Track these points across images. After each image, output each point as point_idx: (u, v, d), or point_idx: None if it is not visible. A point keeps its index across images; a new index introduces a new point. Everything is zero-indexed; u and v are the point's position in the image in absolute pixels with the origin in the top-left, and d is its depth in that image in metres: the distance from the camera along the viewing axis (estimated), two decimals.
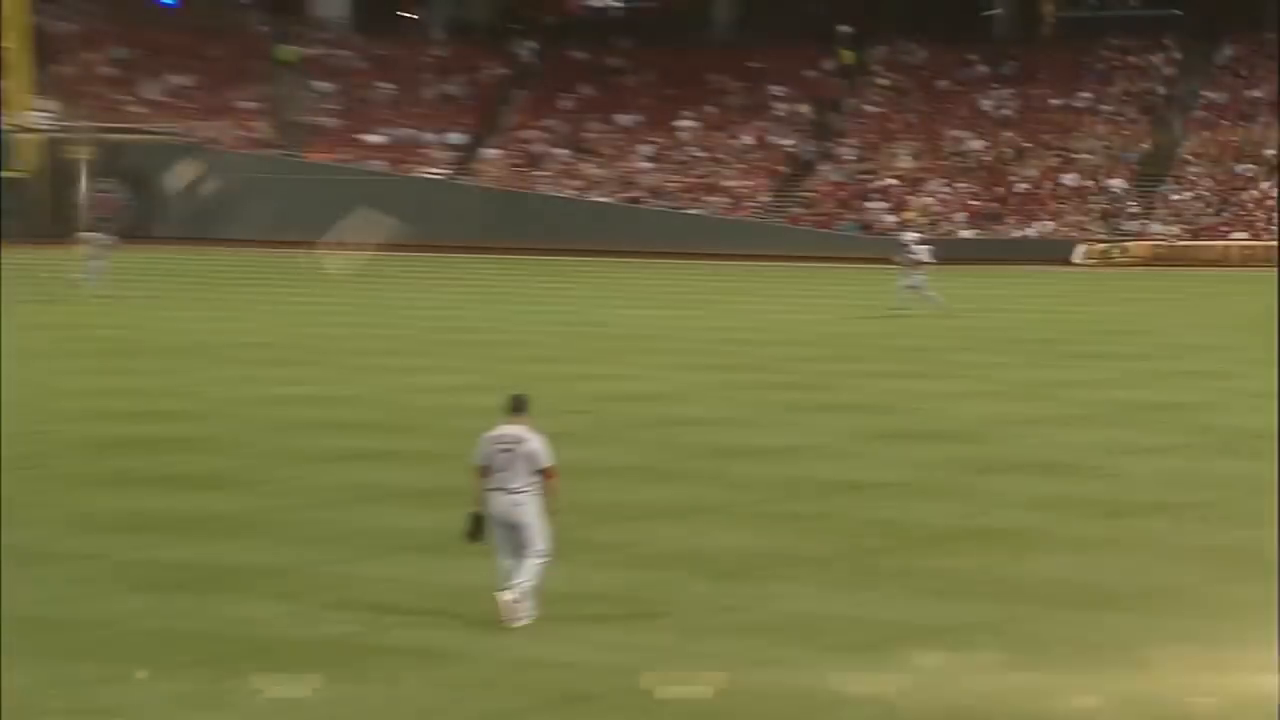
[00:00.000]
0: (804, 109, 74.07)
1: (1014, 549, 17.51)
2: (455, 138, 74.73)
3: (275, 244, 66.16)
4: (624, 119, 74.59)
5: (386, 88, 77.42)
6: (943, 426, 25.31)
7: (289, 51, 78.34)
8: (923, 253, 43.50)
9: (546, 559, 14.70)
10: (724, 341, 37.23)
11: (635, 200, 70.17)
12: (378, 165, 72.66)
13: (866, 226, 66.27)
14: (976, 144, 70.67)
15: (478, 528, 14.81)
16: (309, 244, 56.36)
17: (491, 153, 74.05)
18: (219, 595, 15.72)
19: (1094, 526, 18.59)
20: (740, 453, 23.09)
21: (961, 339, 37.60)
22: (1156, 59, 73.32)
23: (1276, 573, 16.13)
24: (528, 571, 14.57)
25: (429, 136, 74.78)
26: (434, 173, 72.76)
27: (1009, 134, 70.94)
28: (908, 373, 31.80)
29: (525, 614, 14.51)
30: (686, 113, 74.05)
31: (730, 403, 27.83)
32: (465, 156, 73.99)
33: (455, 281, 54.57)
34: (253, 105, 76.28)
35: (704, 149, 72.52)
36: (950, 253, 61.95)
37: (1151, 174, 68.17)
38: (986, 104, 72.70)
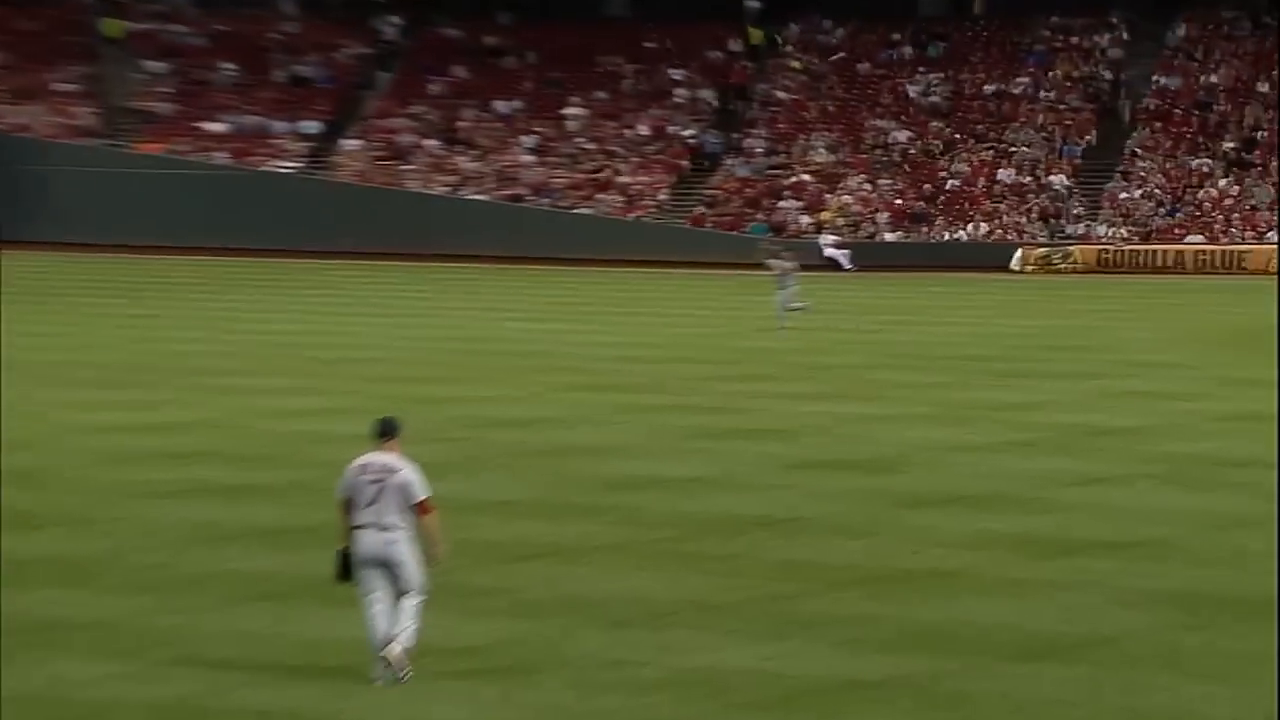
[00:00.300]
0: (708, 95, 74.47)
1: (944, 593, 17.71)
2: (309, 127, 74.44)
3: (100, 247, 65.63)
4: (503, 106, 74.64)
5: (230, 69, 77.01)
6: (865, 455, 25.54)
7: (115, 26, 77.75)
8: (797, 261, 43.99)
9: (424, 597, 14.72)
10: (619, 359, 37.35)
11: (516, 198, 70.23)
12: (220, 158, 72.28)
13: (778, 228, 66.69)
14: (901, 135, 71.31)
15: (348, 567, 14.80)
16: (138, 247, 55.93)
17: (351, 144, 73.83)
18: (36, 652, 15.58)
19: (1033, 567, 18.82)
20: (638, 485, 23.18)
21: (886, 356, 37.93)
22: (1102, 40, 74.32)
23: (1276, 603, 16.48)
24: (408, 615, 14.60)
25: (279, 125, 74.44)
26: (285, 166, 72.47)
27: (938, 124, 71.64)
28: (826, 394, 32.05)
29: (402, 668, 14.49)
30: (574, 99, 74.23)
31: (626, 428, 27.94)
32: (321, 148, 73.73)
33: (312, 291, 54.36)
34: (72, 87, 75.60)
35: (594, 140, 72.71)
36: (872, 258, 62.85)
37: (1097, 169, 69.07)
38: (913, 90, 73.38)
